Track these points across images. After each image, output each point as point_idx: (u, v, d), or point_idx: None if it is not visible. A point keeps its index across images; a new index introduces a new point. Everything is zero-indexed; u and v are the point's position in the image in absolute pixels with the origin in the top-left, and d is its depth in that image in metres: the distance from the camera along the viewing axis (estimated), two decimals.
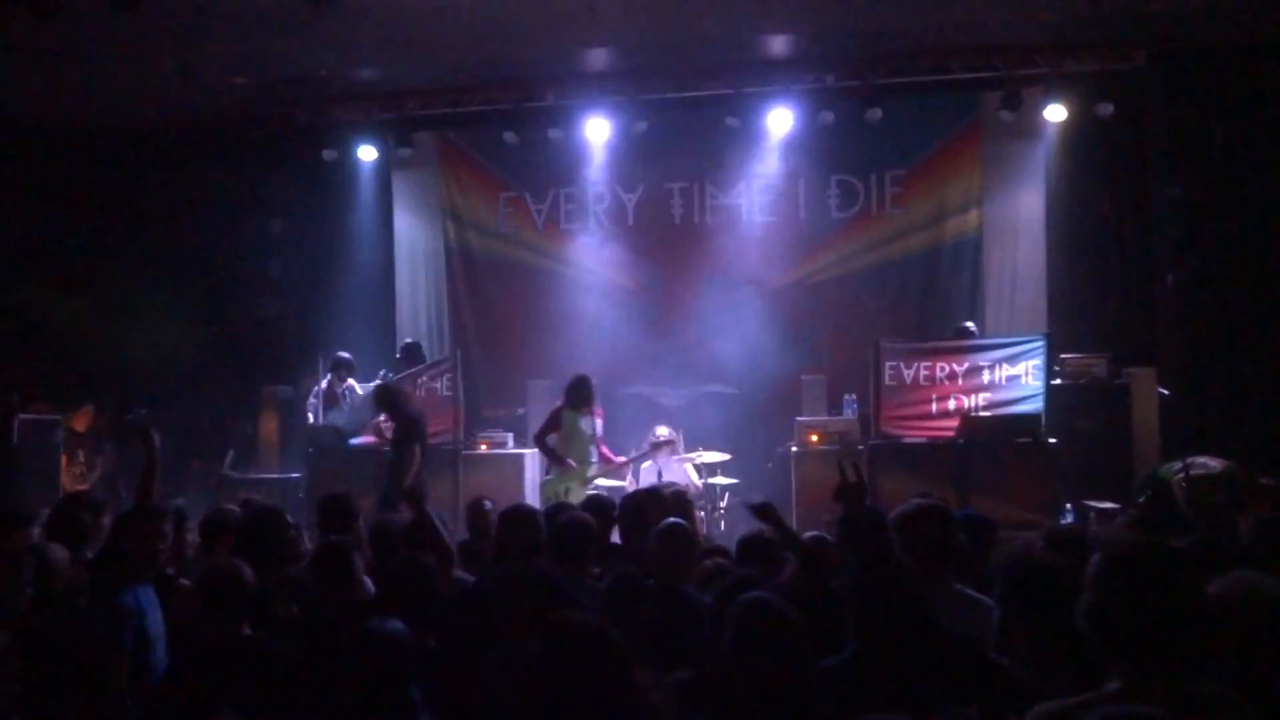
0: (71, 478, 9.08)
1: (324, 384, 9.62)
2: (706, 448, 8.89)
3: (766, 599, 2.84)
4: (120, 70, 9.21)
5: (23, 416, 8.79)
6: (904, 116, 9.96)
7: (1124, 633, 2.04)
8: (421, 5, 8.11)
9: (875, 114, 9.77)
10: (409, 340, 10.34)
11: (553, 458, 8.29)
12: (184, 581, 4.25)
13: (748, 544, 4.46)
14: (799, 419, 9.08)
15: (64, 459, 9.12)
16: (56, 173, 10.58)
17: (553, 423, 8.35)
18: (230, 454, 9.93)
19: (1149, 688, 1.98)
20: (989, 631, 3.02)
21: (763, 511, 3.99)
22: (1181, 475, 7.01)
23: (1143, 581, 2.04)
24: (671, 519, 4.21)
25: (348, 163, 10.86)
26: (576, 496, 7.41)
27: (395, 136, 10.66)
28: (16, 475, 8.49)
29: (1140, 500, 7.29)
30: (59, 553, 3.61)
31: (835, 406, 9.30)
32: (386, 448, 8.39)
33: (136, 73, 9.29)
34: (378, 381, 9.33)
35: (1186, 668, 2.01)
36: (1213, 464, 7.01)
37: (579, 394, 8.30)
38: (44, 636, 3.07)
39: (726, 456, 8.85)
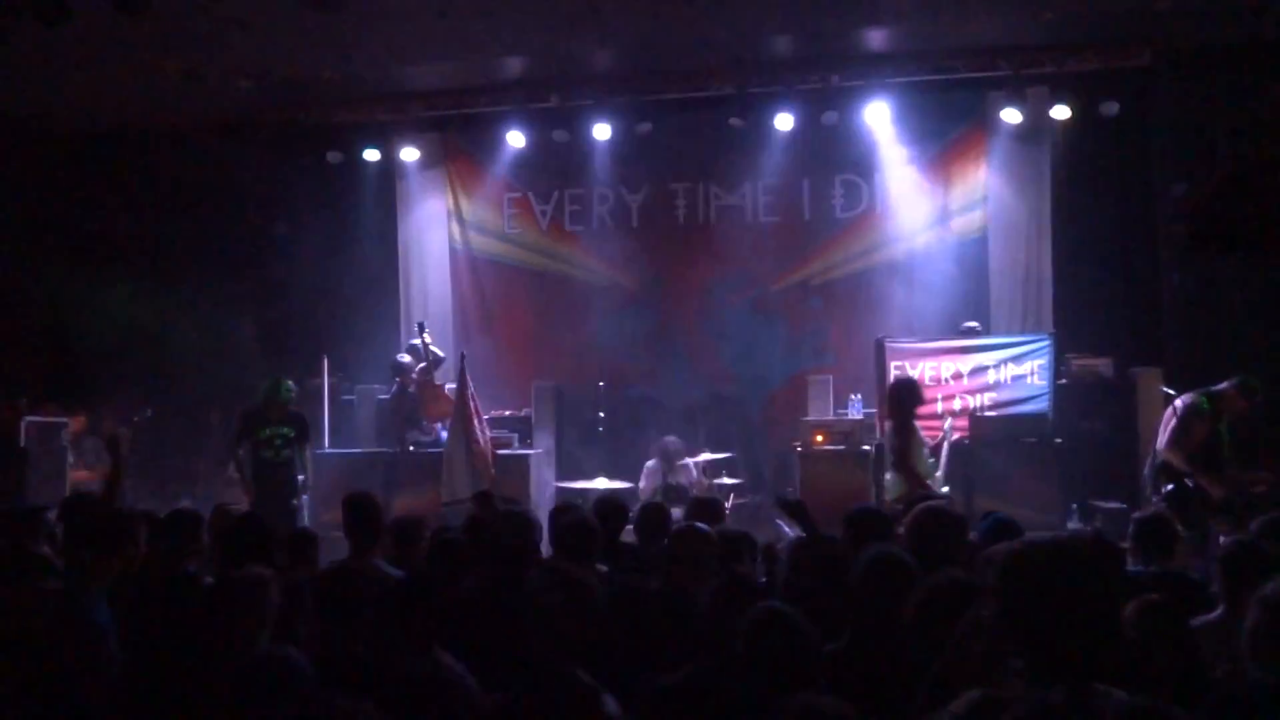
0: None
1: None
2: (711, 449, 8.90)
3: (779, 609, 2.84)
4: (126, 74, 9.23)
5: (30, 419, 8.83)
6: (908, 116, 9.94)
7: (1028, 635, 1.97)
8: (425, 8, 8.13)
9: (879, 114, 9.75)
10: (414, 342, 10.34)
11: (914, 477, 6.84)
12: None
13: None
14: (804, 419, 9.08)
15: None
16: (59, 175, 10.62)
17: (911, 435, 6.98)
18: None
19: (1057, 690, 1.90)
20: None
21: (793, 509, 4.05)
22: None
23: (1046, 583, 1.96)
24: (687, 523, 4.26)
25: (352, 165, 10.89)
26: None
27: (400, 138, 10.69)
28: (23, 477, 8.52)
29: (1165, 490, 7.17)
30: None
31: (841, 406, 9.31)
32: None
33: (142, 76, 9.32)
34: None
35: (1094, 673, 1.92)
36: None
37: (918, 397, 7.15)
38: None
39: (728, 458, 8.87)
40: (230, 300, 10.45)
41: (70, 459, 9.16)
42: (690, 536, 3.99)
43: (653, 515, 4.94)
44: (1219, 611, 3.51)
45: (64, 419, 9.19)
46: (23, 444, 8.70)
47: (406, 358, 9.68)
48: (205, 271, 10.57)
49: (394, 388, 9.60)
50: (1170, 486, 6.69)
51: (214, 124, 10.51)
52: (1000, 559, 2.08)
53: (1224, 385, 6.89)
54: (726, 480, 8.82)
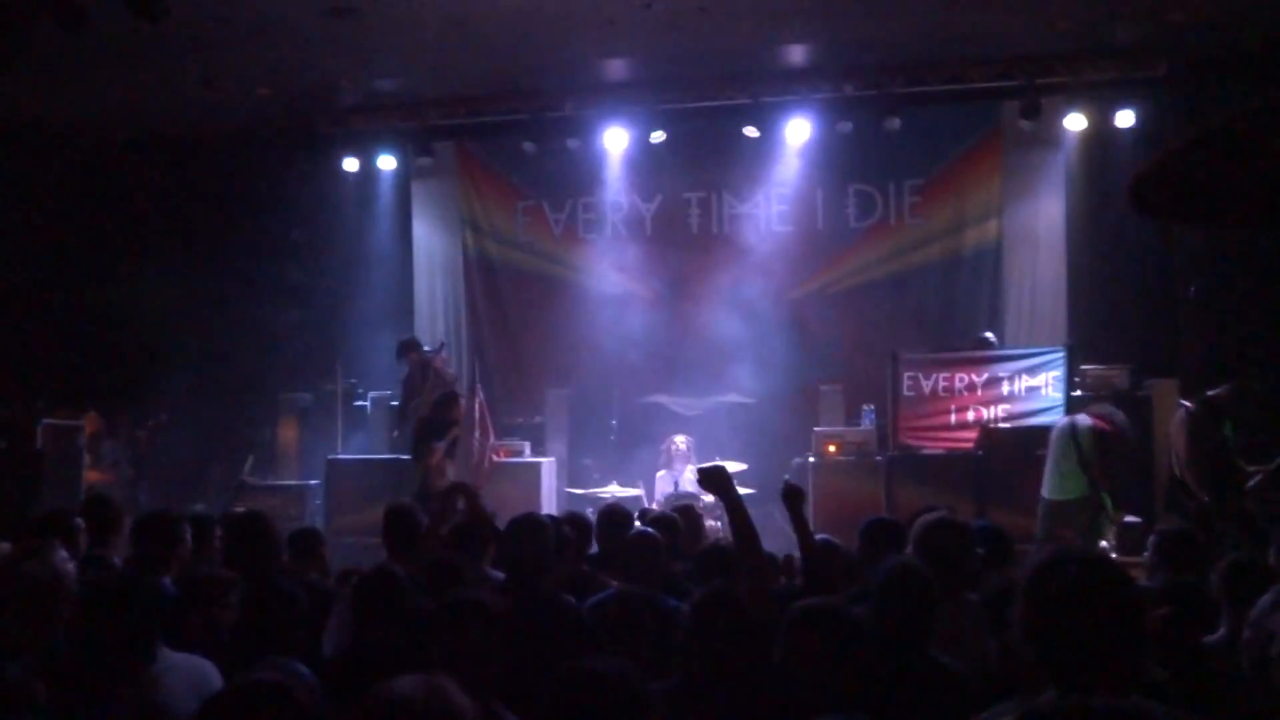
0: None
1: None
2: (723, 458, 8.85)
3: (829, 604, 2.81)
4: (145, 81, 9.32)
5: (46, 422, 8.89)
6: (923, 126, 9.92)
7: (1052, 647, 1.96)
8: (441, 16, 8.17)
9: (894, 123, 9.73)
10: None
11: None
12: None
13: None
14: (816, 429, 9.05)
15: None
16: (77, 181, 10.71)
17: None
18: (250, 460, 10.00)
19: (1075, 701, 1.88)
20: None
21: (791, 493, 4.02)
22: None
23: (1070, 595, 1.95)
24: (642, 528, 4.37)
25: (368, 172, 10.96)
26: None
27: (415, 146, 10.73)
28: (39, 479, 8.58)
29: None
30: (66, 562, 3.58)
31: (853, 417, 9.27)
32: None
33: (161, 83, 9.41)
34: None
35: (1118, 685, 1.90)
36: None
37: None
38: None
39: (743, 467, 8.83)
40: (246, 305, 10.52)
41: (86, 460, 9.23)
42: (641, 543, 4.13)
43: (613, 517, 4.99)
44: (1221, 631, 3.46)
45: (79, 422, 9.25)
46: (39, 446, 8.77)
47: (418, 339, 9.76)
48: (221, 277, 10.65)
49: (406, 368, 9.63)
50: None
51: (231, 131, 10.59)
52: (1028, 567, 2.06)
53: (1220, 390, 6.87)
54: (738, 490, 8.76)
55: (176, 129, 10.63)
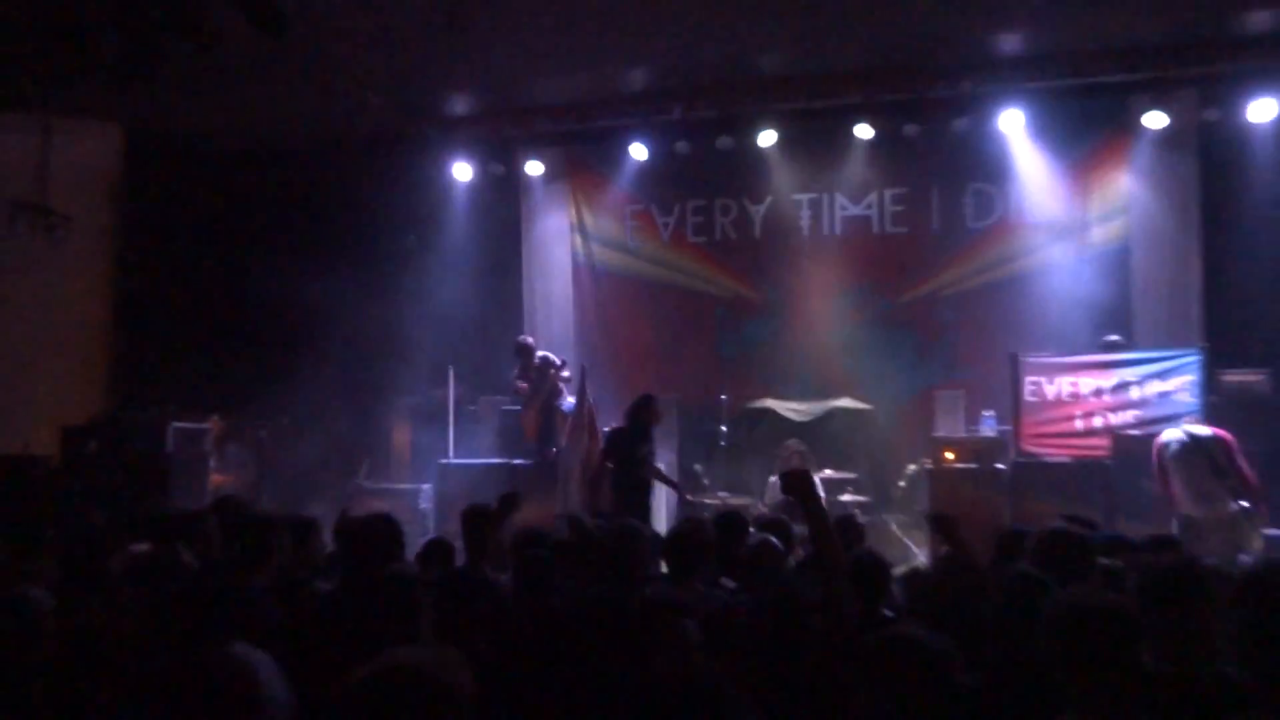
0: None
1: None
2: (836, 464, 8.69)
3: (912, 635, 2.69)
4: (268, 93, 9.65)
5: (176, 425, 9.24)
6: (1045, 122, 9.56)
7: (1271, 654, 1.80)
8: (548, 25, 8.24)
9: (1013, 120, 9.40)
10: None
11: None
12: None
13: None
14: (934, 435, 8.79)
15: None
16: (206, 190, 11.13)
17: None
18: (365, 464, 10.23)
19: None
20: None
21: (942, 523, 4.00)
22: None
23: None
24: (761, 535, 4.44)
25: (479, 178, 11.11)
26: None
27: (524, 152, 10.84)
28: (168, 480, 8.92)
29: None
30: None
31: (972, 422, 8.97)
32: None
33: (283, 94, 9.73)
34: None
35: None
36: None
37: None
38: None
39: (852, 476, 8.65)
40: (365, 311, 10.74)
41: (211, 463, 9.55)
42: (763, 550, 4.18)
43: (729, 523, 5.04)
44: None
45: (205, 426, 9.59)
46: (169, 449, 9.12)
47: (531, 340, 10.01)
48: (341, 284, 10.90)
49: (516, 369, 9.84)
50: None
51: (348, 139, 10.86)
52: (1244, 576, 1.91)
53: None
54: (851, 498, 8.58)
55: (297, 138, 10.97)
